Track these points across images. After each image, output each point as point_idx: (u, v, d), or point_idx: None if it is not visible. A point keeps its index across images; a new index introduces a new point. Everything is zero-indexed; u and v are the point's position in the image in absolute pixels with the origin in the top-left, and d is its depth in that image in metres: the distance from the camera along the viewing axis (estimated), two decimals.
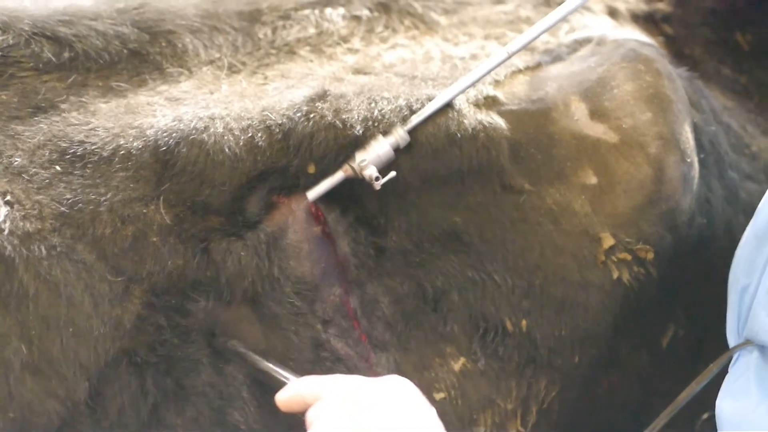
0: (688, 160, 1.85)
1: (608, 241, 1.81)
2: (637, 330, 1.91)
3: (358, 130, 1.70)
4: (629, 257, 1.81)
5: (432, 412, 1.49)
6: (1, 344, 1.52)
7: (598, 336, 1.85)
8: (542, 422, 1.87)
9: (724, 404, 1.65)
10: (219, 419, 1.67)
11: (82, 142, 1.64)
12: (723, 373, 1.73)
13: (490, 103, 1.82)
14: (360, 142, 1.70)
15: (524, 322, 1.82)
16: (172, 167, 1.64)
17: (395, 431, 1.40)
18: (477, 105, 1.80)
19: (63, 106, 1.70)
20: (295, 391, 1.53)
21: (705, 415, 1.96)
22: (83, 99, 1.72)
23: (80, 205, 1.60)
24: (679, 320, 1.98)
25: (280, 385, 1.59)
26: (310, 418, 1.46)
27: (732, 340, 1.76)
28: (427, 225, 1.79)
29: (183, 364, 1.65)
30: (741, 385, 1.66)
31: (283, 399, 1.54)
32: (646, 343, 1.95)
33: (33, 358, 1.53)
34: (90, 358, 1.56)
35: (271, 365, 1.64)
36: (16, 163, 1.61)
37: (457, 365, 1.81)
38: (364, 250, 1.78)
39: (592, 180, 1.81)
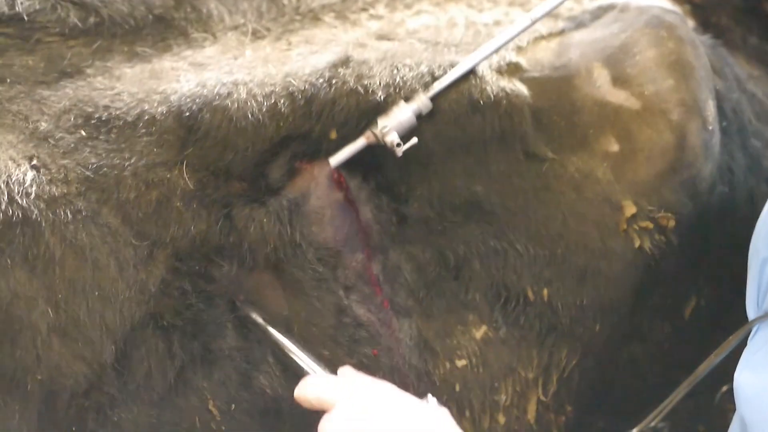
0: (710, 128, 1.82)
1: (630, 209, 1.78)
2: (659, 300, 1.88)
3: (380, 96, 1.68)
4: (651, 225, 1.79)
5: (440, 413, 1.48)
6: (29, 307, 1.52)
7: (619, 305, 1.82)
8: (563, 391, 1.86)
9: (743, 377, 1.61)
10: (245, 383, 1.67)
11: (107, 107, 1.64)
12: (742, 345, 1.69)
13: (513, 69, 1.79)
14: (382, 109, 1.68)
15: (546, 291, 1.79)
16: (196, 132, 1.63)
17: None
18: (500, 72, 1.78)
19: (88, 71, 1.70)
20: (310, 393, 1.53)
21: (724, 388, 1.93)
22: (108, 64, 1.71)
23: (105, 169, 1.59)
24: (701, 291, 1.94)
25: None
26: (322, 428, 1.47)
27: (752, 312, 1.72)
28: (448, 193, 1.77)
29: (210, 328, 1.64)
30: (760, 358, 1.63)
31: (302, 398, 1.55)
32: (668, 313, 1.92)
33: (60, 321, 1.53)
34: (116, 321, 1.56)
35: (288, 343, 1.63)
36: (42, 127, 1.61)
37: (479, 333, 1.80)
38: (387, 217, 1.77)
39: (614, 147, 1.78)
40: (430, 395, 1.53)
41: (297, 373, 1.61)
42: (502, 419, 1.82)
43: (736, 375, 1.63)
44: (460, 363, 1.79)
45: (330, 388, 1.51)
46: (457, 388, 1.78)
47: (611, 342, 1.86)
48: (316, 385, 1.52)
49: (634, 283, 1.82)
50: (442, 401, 1.73)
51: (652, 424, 1.69)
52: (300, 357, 1.60)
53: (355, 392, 1.49)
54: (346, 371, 1.57)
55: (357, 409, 1.44)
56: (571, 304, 1.80)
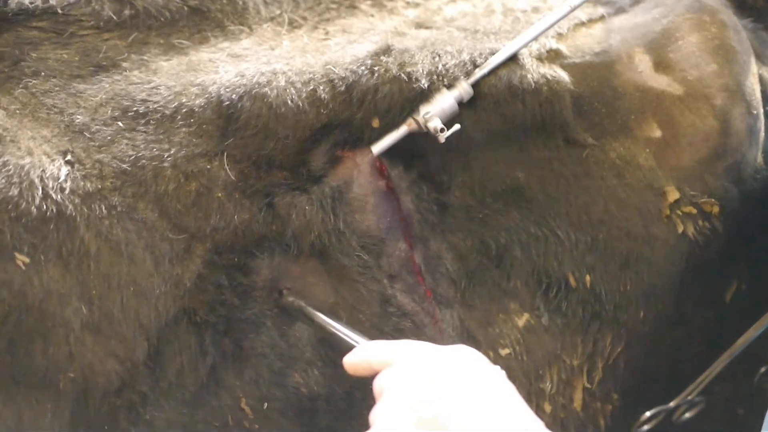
0: (754, 112, 1.70)
1: (673, 195, 1.67)
2: (701, 285, 1.77)
3: (423, 83, 1.58)
4: (694, 211, 1.68)
5: (506, 385, 1.32)
6: (62, 304, 1.44)
7: (663, 291, 1.72)
8: (608, 378, 1.75)
9: None
10: (279, 381, 1.59)
11: (144, 101, 1.56)
12: None
13: (553, 56, 1.69)
14: (424, 96, 1.58)
15: (588, 278, 1.69)
16: (236, 122, 1.54)
17: (468, 404, 1.24)
18: (540, 59, 1.67)
19: (124, 64, 1.62)
20: (364, 355, 1.39)
21: (763, 369, 1.80)
22: (144, 57, 1.63)
23: (143, 161, 1.52)
24: (742, 275, 1.83)
25: (345, 346, 1.46)
26: (378, 386, 1.31)
27: None
28: (489, 181, 1.67)
29: (242, 325, 1.56)
30: None
31: (351, 362, 1.40)
32: (710, 297, 1.81)
33: (93, 318, 1.46)
34: (150, 317, 1.49)
35: (338, 325, 1.52)
36: (77, 120, 1.53)
37: (521, 321, 1.70)
38: (427, 206, 1.67)
39: (657, 133, 1.67)
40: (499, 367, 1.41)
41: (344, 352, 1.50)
42: (548, 407, 1.73)
43: None
44: (504, 352, 1.69)
45: (387, 349, 1.37)
46: None
47: (655, 328, 1.76)
48: (373, 348, 1.39)
49: (677, 268, 1.71)
50: None
51: (690, 397, 1.60)
52: (349, 335, 1.48)
53: (411, 350, 1.34)
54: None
55: (416, 366, 1.29)
56: (614, 291, 1.70)
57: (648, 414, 1.59)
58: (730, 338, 1.69)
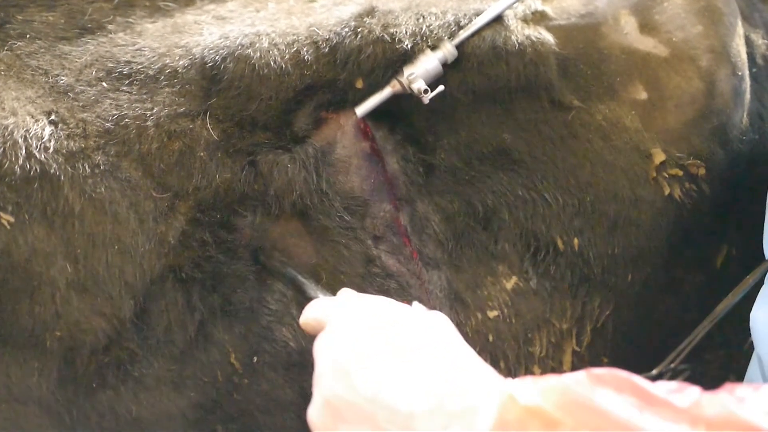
0: (740, 74, 1.70)
1: (659, 157, 1.66)
2: (690, 249, 1.77)
3: (407, 44, 1.56)
4: (680, 173, 1.67)
5: (445, 330, 1.29)
6: (47, 263, 1.44)
7: (651, 254, 1.71)
8: (597, 342, 1.75)
9: (759, 314, 1.52)
10: (268, 336, 1.58)
11: (128, 62, 1.55)
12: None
13: (538, 18, 1.67)
14: (408, 57, 1.57)
15: (576, 241, 1.68)
16: (219, 82, 1.53)
17: (402, 356, 1.21)
18: (525, 20, 1.65)
19: (110, 26, 1.60)
20: (309, 314, 1.37)
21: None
22: (130, 19, 1.62)
23: (126, 120, 1.51)
24: (732, 240, 1.83)
25: None
26: (314, 348, 1.29)
27: None
28: (475, 143, 1.66)
29: (230, 281, 1.55)
30: None
31: (303, 322, 1.39)
32: (700, 262, 1.81)
33: (79, 277, 1.45)
34: (135, 275, 1.48)
35: (304, 281, 1.52)
36: (62, 82, 1.52)
37: (510, 284, 1.69)
38: (414, 168, 1.65)
39: (642, 95, 1.66)
40: (415, 302, 1.37)
41: None
42: (537, 371, 1.71)
43: (752, 314, 1.54)
44: (492, 314, 1.68)
45: (326, 307, 1.35)
46: (491, 338, 1.68)
47: (644, 292, 1.75)
48: (314, 306, 1.37)
49: (665, 231, 1.71)
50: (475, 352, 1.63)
51: (672, 365, 1.58)
52: (316, 292, 1.48)
53: (350, 308, 1.32)
54: (345, 291, 1.42)
55: (351, 323, 1.27)
56: (602, 254, 1.69)
57: None
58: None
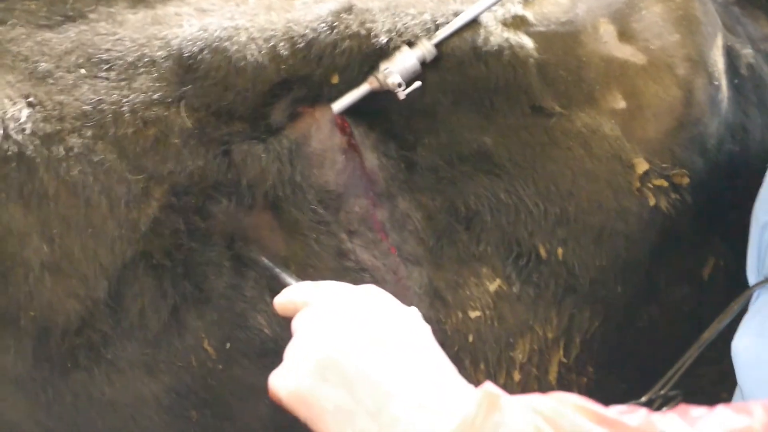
0: (716, 83, 1.73)
1: (642, 166, 1.69)
2: (677, 260, 1.79)
3: (382, 39, 1.60)
4: (666, 183, 1.70)
5: (417, 325, 1.32)
6: (23, 243, 1.47)
7: (639, 266, 1.73)
8: (585, 353, 1.77)
9: (740, 343, 1.55)
10: (241, 322, 1.60)
11: (108, 50, 1.58)
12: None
13: (518, 22, 1.70)
14: (385, 54, 1.60)
15: (560, 250, 1.70)
16: (195, 71, 1.56)
17: (367, 343, 1.24)
18: (505, 24, 1.68)
19: (92, 15, 1.63)
20: (288, 295, 1.40)
21: None
22: (112, 9, 1.64)
23: (103, 105, 1.53)
24: (719, 251, 1.85)
25: None
26: (294, 325, 1.33)
27: (752, 278, 1.65)
28: (456, 144, 1.68)
29: (203, 268, 1.57)
30: (758, 323, 1.56)
31: (278, 303, 1.41)
32: (687, 274, 1.83)
33: (54, 258, 1.48)
34: (108, 258, 1.50)
35: (280, 271, 1.55)
36: (42, 67, 1.55)
37: (493, 286, 1.70)
38: (395, 164, 1.68)
39: (621, 104, 1.69)
40: (414, 307, 1.40)
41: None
42: (517, 376, 1.73)
43: (733, 343, 1.56)
44: (474, 314, 1.69)
45: (309, 289, 1.38)
46: (471, 339, 1.70)
47: (632, 304, 1.77)
48: (297, 288, 1.40)
49: (652, 243, 1.73)
50: (454, 351, 1.66)
51: (662, 392, 1.57)
52: (290, 282, 1.50)
53: (330, 289, 1.36)
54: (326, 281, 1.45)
55: (329, 306, 1.30)
56: (589, 265, 1.71)
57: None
58: (711, 317, 1.69)
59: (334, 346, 1.23)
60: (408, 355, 1.23)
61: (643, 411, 1.15)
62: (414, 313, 1.33)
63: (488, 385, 1.17)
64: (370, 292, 1.34)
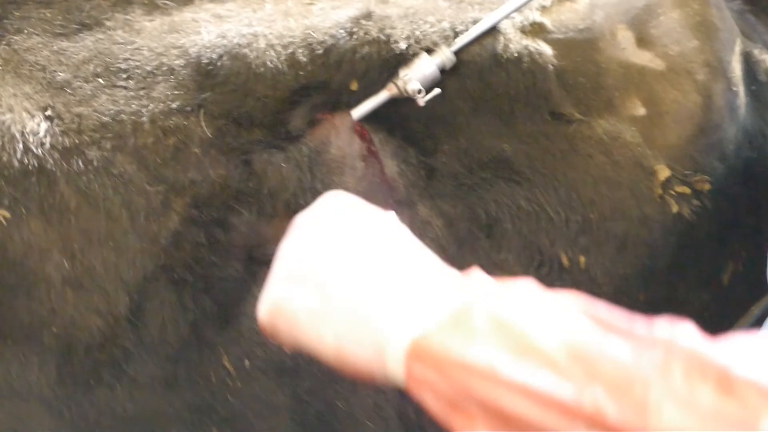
0: (734, 89, 1.71)
1: (664, 173, 1.67)
2: (697, 267, 1.77)
3: (402, 45, 1.59)
4: (688, 190, 1.68)
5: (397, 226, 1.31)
6: (44, 258, 1.47)
7: (661, 273, 1.72)
8: None
9: None
10: (260, 340, 1.59)
11: (126, 60, 1.57)
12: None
13: (537, 30, 1.69)
14: (404, 60, 1.59)
15: (582, 259, 1.68)
16: (214, 78, 1.55)
17: (356, 240, 1.24)
18: (523, 31, 1.67)
19: (108, 23, 1.62)
20: None
21: None
22: (128, 17, 1.63)
23: (122, 115, 1.53)
24: (738, 256, 1.82)
25: None
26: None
27: None
28: (476, 150, 1.67)
29: (222, 284, 1.57)
30: None
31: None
32: (707, 280, 1.81)
33: (75, 273, 1.48)
34: (130, 273, 1.50)
35: None
36: (59, 77, 1.55)
37: None
38: (415, 170, 1.67)
39: (641, 111, 1.68)
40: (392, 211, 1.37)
41: None
42: None
43: None
44: None
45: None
46: None
47: (653, 312, 1.71)
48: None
49: (674, 250, 1.71)
50: None
51: None
52: None
53: (303, 214, 1.33)
54: None
55: (301, 222, 1.30)
56: (612, 274, 1.69)
57: None
58: (731, 323, 1.71)
59: (305, 253, 1.22)
60: (382, 254, 1.22)
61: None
62: (390, 216, 1.31)
63: (475, 273, 1.19)
64: (341, 199, 1.32)
